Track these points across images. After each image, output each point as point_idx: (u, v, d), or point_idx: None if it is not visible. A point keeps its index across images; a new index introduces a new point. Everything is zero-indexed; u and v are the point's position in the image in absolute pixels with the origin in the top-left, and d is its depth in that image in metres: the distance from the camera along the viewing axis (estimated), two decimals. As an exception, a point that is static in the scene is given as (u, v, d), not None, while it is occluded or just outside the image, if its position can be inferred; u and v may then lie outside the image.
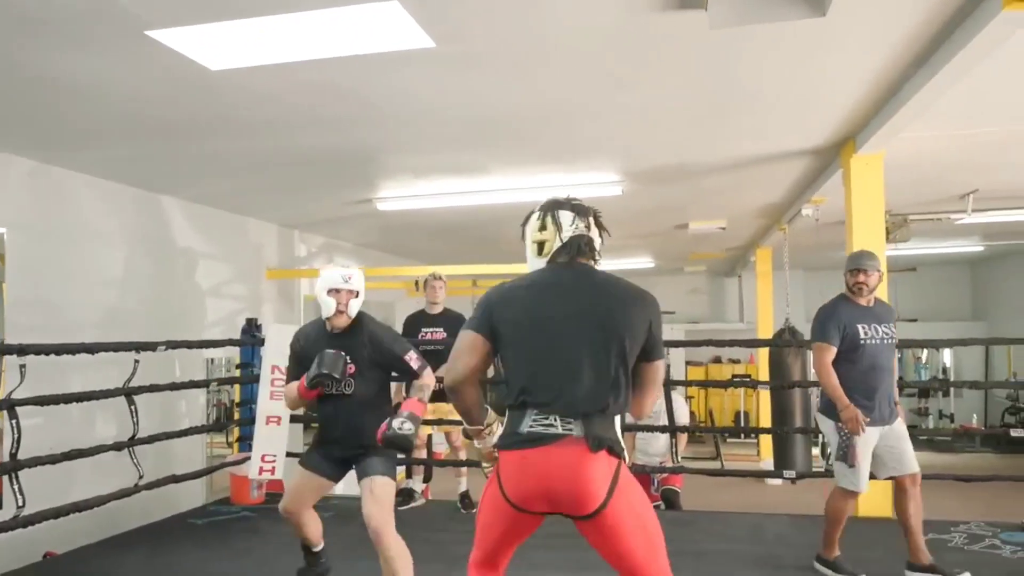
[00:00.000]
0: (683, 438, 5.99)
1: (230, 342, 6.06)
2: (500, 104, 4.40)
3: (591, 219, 2.52)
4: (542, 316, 2.37)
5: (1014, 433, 5.41)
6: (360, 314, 3.60)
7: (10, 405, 3.98)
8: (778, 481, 9.84)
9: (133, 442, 4.79)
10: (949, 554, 4.30)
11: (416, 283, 6.41)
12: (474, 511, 5.38)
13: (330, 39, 3.31)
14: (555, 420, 2.26)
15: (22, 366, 4.08)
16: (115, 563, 4.38)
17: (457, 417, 5.75)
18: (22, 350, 4.12)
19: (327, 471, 3.60)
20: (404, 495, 5.84)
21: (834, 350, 4.00)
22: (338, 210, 7.62)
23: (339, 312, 3.50)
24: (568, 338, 2.32)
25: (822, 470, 5.36)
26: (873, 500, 5.16)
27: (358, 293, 3.55)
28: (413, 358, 3.62)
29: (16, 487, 3.98)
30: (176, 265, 6.74)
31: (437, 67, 3.75)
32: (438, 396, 5.72)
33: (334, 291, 3.50)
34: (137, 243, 6.23)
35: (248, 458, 5.57)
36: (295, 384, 3.54)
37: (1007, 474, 5.48)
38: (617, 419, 2.34)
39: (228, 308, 7.41)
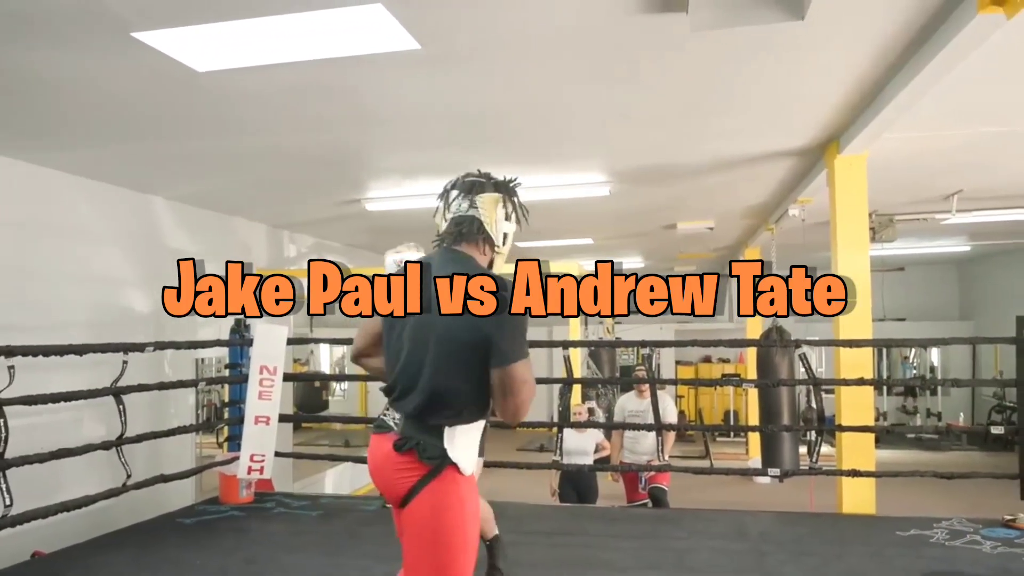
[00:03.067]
0: (670, 437, 6.03)
1: (218, 343, 6.08)
2: (486, 104, 4.43)
3: (480, 196, 2.33)
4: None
5: (994, 430, 5.47)
6: None
7: (-2, 405, 3.99)
8: (766, 479, 9.92)
9: (121, 441, 4.80)
10: (930, 550, 4.35)
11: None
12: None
13: (315, 41, 3.34)
14: (391, 413, 2.31)
15: (10, 367, 4.10)
16: (103, 562, 4.39)
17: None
18: (10, 351, 4.13)
19: None
20: None
21: None
22: (327, 210, 7.64)
23: None
24: (412, 336, 2.25)
25: (807, 469, 5.40)
26: (858, 497, 5.22)
27: None
28: None
29: (4, 487, 4.00)
30: (165, 265, 6.72)
31: (422, 68, 3.78)
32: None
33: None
34: (126, 243, 6.23)
35: (237, 458, 5.59)
36: None
37: (990, 471, 5.54)
38: (453, 428, 2.20)
39: (218, 308, 7.42)
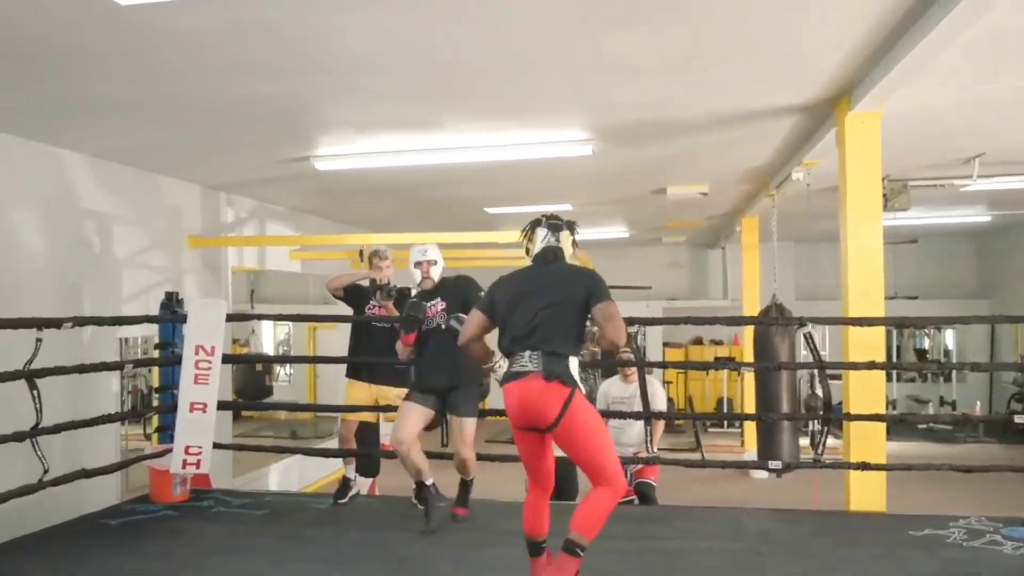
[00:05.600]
0: (659, 426, 6.08)
1: (147, 319, 5.99)
2: (452, 51, 4.39)
3: (561, 233, 4.03)
4: (521, 295, 3.89)
5: (1018, 420, 5.53)
6: (444, 277, 5.24)
7: None
8: (763, 474, 10.07)
9: (36, 432, 4.73)
10: (947, 551, 4.45)
11: (360, 252, 6.39)
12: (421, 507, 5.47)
13: (260, -28, 3.28)
14: (527, 361, 3.71)
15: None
16: (15, 570, 4.33)
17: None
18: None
19: (427, 402, 5.03)
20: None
21: None
22: (270, 169, 7.54)
23: (425, 278, 5.16)
24: (534, 306, 3.81)
25: (811, 461, 5.47)
26: (867, 493, 5.31)
27: (436, 262, 5.18)
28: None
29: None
30: (83, 231, 6.62)
31: (379, 8, 3.73)
32: (385, 380, 5.78)
33: (417, 263, 5.15)
34: (37, 205, 6.11)
35: (169, 450, 5.54)
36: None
37: (1011, 465, 5.67)
38: (572, 360, 3.73)
39: (145, 280, 7.32)
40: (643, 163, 7.65)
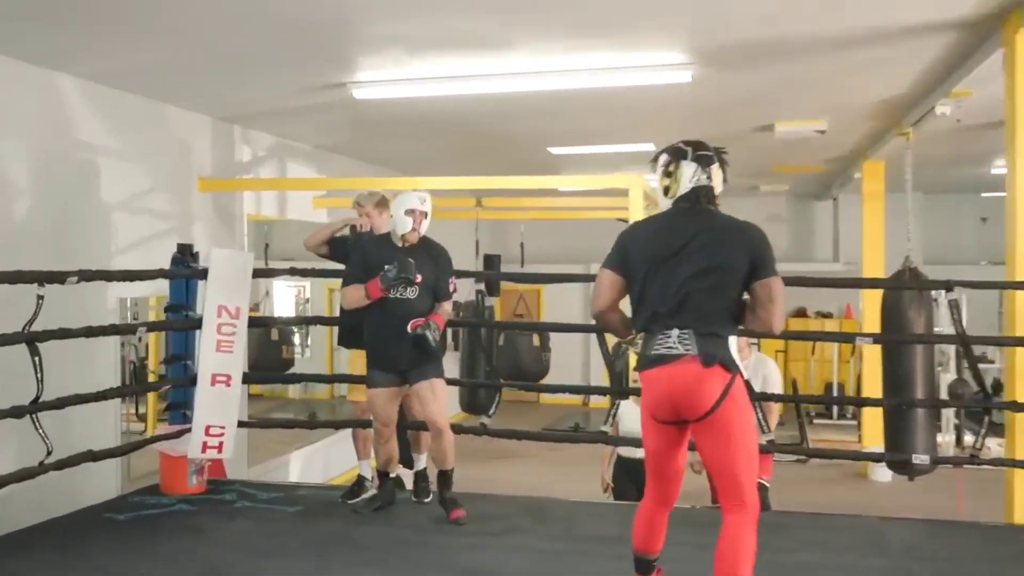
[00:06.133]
0: (774, 409, 6.05)
1: (161, 273, 5.99)
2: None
3: (712, 167, 3.69)
4: (665, 254, 3.61)
5: None
6: (425, 239, 5.42)
7: None
8: (885, 477, 9.94)
9: (38, 406, 4.77)
10: None
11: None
12: (426, 501, 5.53)
13: None
14: (675, 342, 3.52)
15: None
16: (8, 571, 4.40)
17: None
18: None
19: (395, 380, 5.30)
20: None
21: None
22: (297, 98, 7.55)
23: (413, 230, 5.28)
24: (682, 272, 3.56)
25: (966, 456, 5.35)
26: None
27: (428, 215, 5.34)
28: (454, 283, 5.51)
29: None
30: (72, 167, 6.61)
31: None
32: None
33: (411, 211, 5.24)
34: (23, 134, 6.14)
35: (185, 431, 5.59)
36: (359, 286, 5.24)
37: None
38: (732, 339, 3.60)
39: (147, 228, 7.36)
40: (750, 93, 7.56)
